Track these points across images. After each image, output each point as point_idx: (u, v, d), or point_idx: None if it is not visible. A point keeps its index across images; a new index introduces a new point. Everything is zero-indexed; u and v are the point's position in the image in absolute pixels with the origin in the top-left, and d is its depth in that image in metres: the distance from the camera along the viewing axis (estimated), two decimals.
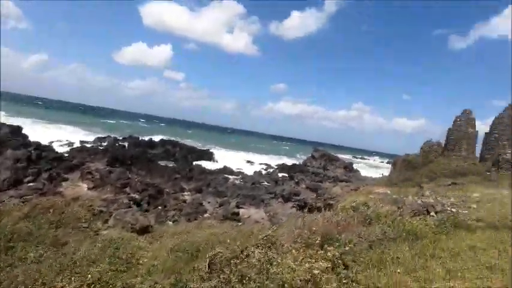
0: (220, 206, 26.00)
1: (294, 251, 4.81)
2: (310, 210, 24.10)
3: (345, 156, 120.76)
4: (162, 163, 43.71)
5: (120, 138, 60.94)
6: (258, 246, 5.14)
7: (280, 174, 51.25)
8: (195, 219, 19.29)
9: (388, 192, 22.18)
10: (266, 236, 5.38)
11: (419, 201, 12.90)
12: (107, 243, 10.12)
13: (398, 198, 13.35)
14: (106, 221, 14.23)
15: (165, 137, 69.57)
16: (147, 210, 19.23)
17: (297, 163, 63.39)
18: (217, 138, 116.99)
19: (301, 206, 23.52)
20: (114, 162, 31.69)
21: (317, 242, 4.83)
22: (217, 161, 59.34)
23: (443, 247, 5.36)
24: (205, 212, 22.92)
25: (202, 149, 66.14)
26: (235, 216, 21.30)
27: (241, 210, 25.75)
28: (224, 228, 13.53)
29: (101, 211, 14.69)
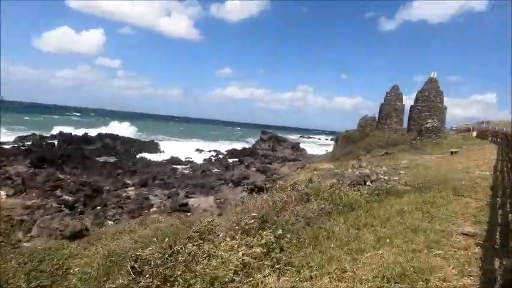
0: (168, 198, 24.86)
1: (228, 239, 4.49)
2: (260, 192, 24.46)
3: (293, 137, 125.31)
4: (101, 159, 40.10)
5: (48, 135, 54.23)
6: (191, 239, 4.70)
7: (230, 160, 51.03)
8: (140, 216, 18.06)
9: (332, 166, 23.40)
10: (200, 227, 4.96)
11: (357, 173, 13.72)
12: (28, 257, 8.77)
13: (338, 172, 14.03)
14: (29, 231, 12.45)
15: (103, 131, 63.93)
16: (82, 213, 17.37)
17: (247, 147, 63.78)
18: (163, 128, 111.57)
19: (251, 189, 23.63)
20: (40, 163, 27.94)
21: (254, 226, 4.56)
22: (163, 152, 56.59)
23: (375, 215, 5.54)
24: (152, 206, 21.66)
25: (147, 140, 62.39)
26: (184, 207, 20.52)
27: (191, 200, 24.97)
28: (170, 221, 12.79)
29: (22, 220, 12.79)
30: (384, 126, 41.31)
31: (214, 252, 4.07)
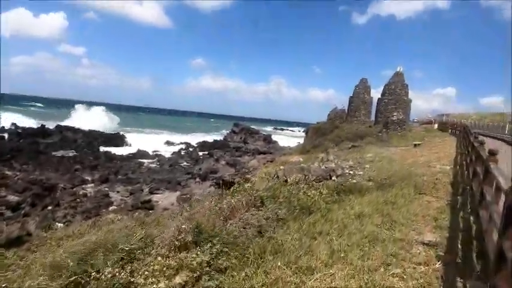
0: (130, 195, 23.42)
1: (160, 258, 3.72)
2: (227, 187, 23.75)
3: (268, 129, 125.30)
4: (59, 154, 37.15)
5: None
6: (115, 264, 3.89)
7: (201, 153, 49.72)
8: (97, 215, 16.67)
9: (301, 159, 23.18)
10: (130, 246, 4.15)
11: (323, 167, 13.44)
12: None
13: (304, 166, 13.66)
14: None
15: (63, 123, 59.50)
16: (27, 215, 15.66)
17: (219, 139, 62.55)
18: (131, 120, 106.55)
19: (219, 184, 22.87)
20: None
21: (188, 240, 3.83)
22: (130, 145, 53.85)
23: (334, 219, 5.05)
24: (111, 204, 20.20)
25: (112, 132, 59.00)
26: (146, 205, 19.33)
27: (155, 196, 23.72)
28: (126, 222, 11.72)
29: None
30: (352, 119, 42.10)
31: (135, 278, 3.30)
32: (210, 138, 66.76)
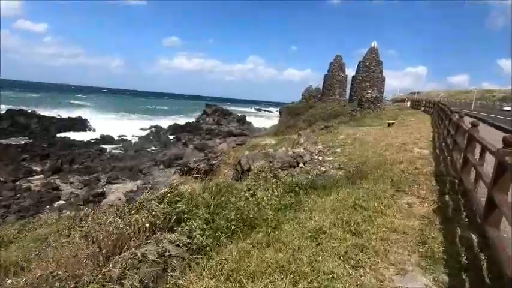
0: (84, 187, 21.08)
1: None
2: (191, 173, 21.96)
3: (246, 109, 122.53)
4: (7, 141, 33.30)
5: None
6: None
7: (171, 137, 47.13)
8: (36, 214, 14.42)
9: (273, 142, 21.69)
10: None
11: (290, 153, 11.99)
12: None
13: (270, 152, 12.14)
14: None
15: (16, 106, 53.89)
16: None
17: (192, 122, 59.72)
18: (99, 103, 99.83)
19: (184, 171, 21.05)
20: None
21: None
22: (94, 130, 50.08)
23: (282, 238, 3.48)
24: (58, 198, 17.87)
25: (73, 117, 54.33)
26: (100, 198, 17.20)
27: (113, 187, 21.57)
28: (58, 225, 9.73)
29: None
30: (327, 98, 41.01)
31: None
32: (183, 120, 63.63)
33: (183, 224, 3.70)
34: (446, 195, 4.52)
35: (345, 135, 14.74)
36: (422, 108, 28.34)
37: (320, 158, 10.58)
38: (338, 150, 11.01)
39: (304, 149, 12.04)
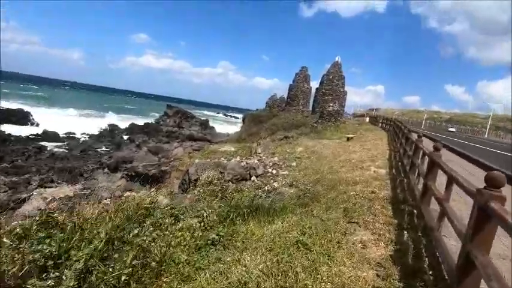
0: (10, 189, 18.14)
1: None
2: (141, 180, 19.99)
3: (211, 113, 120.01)
4: None
5: None
6: None
7: (126, 137, 43.93)
8: None
9: (232, 149, 20.61)
10: None
11: (243, 163, 11.04)
12: None
13: (221, 162, 11.06)
14: None
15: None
16: None
17: (151, 122, 56.52)
18: (54, 96, 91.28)
19: (131, 176, 19.09)
20: None
21: None
22: (37, 125, 45.08)
23: None
24: None
25: (12, 108, 48.36)
26: (21, 205, 14.64)
27: (47, 191, 18.84)
28: None
29: None
30: (291, 108, 41.11)
31: None
32: (145, 120, 60.01)
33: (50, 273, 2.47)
34: (405, 232, 3.80)
35: (303, 147, 14.17)
36: (380, 125, 29.29)
37: (274, 171, 9.73)
38: (294, 163, 10.27)
39: (259, 160, 11.16)
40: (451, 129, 50.57)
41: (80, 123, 51.69)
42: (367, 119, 43.94)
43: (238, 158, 12.40)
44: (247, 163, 10.83)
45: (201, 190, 9.46)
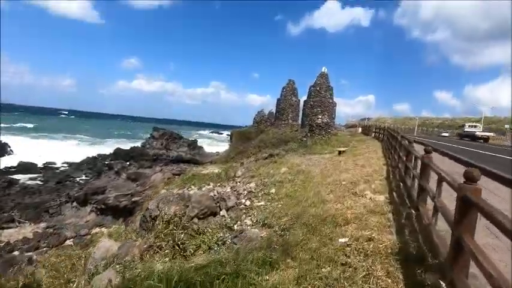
0: None
1: None
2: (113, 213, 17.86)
3: (205, 132, 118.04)
4: None
5: None
6: None
7: (113, 163, 41.75)
8: None
9: (216, 171, 18.77)
10: None
11: (213, 193, 9.20)
12: None
13: (186, 194, 9.17)
14: None
15: None
16: None
17: (138, 146, 54.42)
18: (39, 124, 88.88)
19: (102, 209, 17.00)
20: None
21: None
22: (15, 154, 42.86)
23: None
24: None
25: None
26: None
27: (5, 232, 16.64)
28: None
29: None
30: (280, 122, 39.64)
31: None
32: (134, 144, 57.85)
33: None
34: None
35: (288, 167, 12.41)
36: (373, 134, 27.85)
37: (248, 202, 7.89)
38: (273, 190, 8.45)
39: (232, 188, 9.31)
40: (444, 134, 49.67)
41: (64, 151, 49.63)
42: (360, 130, 42.66)
43: (210, 185, 10.56)
44: (218, 192, 8.99)
45: (158, 231, 7.58)
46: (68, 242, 14.63)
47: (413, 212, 4.77)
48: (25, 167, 35.09)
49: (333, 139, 24.43)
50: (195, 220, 8.09)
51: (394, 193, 6.25)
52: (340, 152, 16.38)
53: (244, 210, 7.41)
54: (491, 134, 31.22)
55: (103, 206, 16.97)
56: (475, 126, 33.54)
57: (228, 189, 9.06)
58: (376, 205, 5.52)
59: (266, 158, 15.72)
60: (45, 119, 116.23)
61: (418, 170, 5.42)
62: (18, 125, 79.14)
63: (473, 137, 30.15)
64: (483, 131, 31.68)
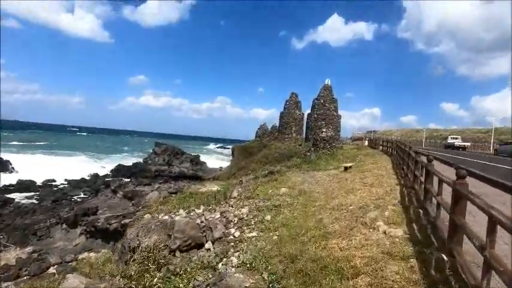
0: None
1: None
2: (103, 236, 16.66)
3: (211, 147, 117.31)
4: None
5: None
6: None
7: (110, 180, 40.91)
8: None
9: (215, 189, 17.65)
10: None
11: (200, 220, 8.01)
12: None
13: (168, 221, 8.02)
14: None
15: None
16: None
17: (140, 162, 53.69)
18: (50, 141, 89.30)
19: (91, 232, 15.86)
20: None
21: None
22: (17, 172, 42.33)
23: None
24: None
25: None
26: None
27: None
28: None
29: None
30: (284, 136, 38.56)
31: None
32: (135, 160, 57.13)
33: None
34: None
35: (289, 186, 11.21)
36: (381, 148, 26.55)
37: (237, 233, 6.69)
38: (268, 217, 7.24)
39: (222, 213, 8.12)
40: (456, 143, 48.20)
41: (68, 168, 48.92)
42: (366, 142, 41.29)
43: (201, 209, 9.39)
44: (206, 219, 7.81)
45: (130, 269, 6.43)
46: (51, 270, 13.46)
47: (444, 258, 3.55)
48: (23, 186, 34.35)
49: (338, 153, 23.18)
50: (177, 254, 6.91)
51: (414, 225, 5.03)
52: (346, 168, 15.16)
53: (232, 243, 6.22)
54: (468, 143, 38.90)
55: (92, 229, 15.85)
56: (456, 138, 40.91)
57: (218, 215, 7.89)
58: (393, 243, 4.30)
59: (266, 176, 14.54)
60: (54, 136, 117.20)
61: (444, 196, 4.24)
62: (23, 143, 79.54)
63: (453, 147, 37.25)
64: (462, 141, 39.23)
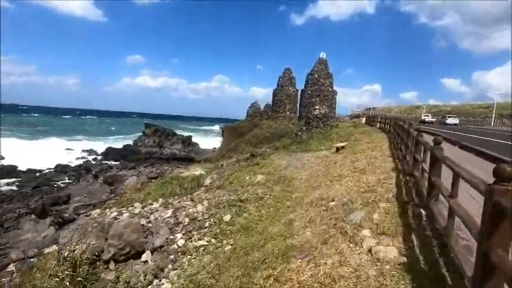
0: None
1: None
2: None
3: (208, 127, 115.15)
4: None
5: None
6: None
7: (107, 162, 39.64)
8: None
9: (200, 173, 16.18)
10: None
11: (145, 220, 6.50)
12: None
13: (106, 222, 6.51)
14: None
15: None
16: None
17: (130, 144, 51.98)
18: (44, 124, 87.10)
19: (60, 223, 14.52)
20: None
21: None
22: (2, 158, 40.83)
23: None
24: None
25: None
26: None
27: None
28: None
29: None
30: (277, 114, 36.67)
31: None
32: (127, 142, 55.40)
33: None
34: None
35: (269, 172, 9.66)
36: (378, 125, 24.92)
37: (182, 241, 5.16)
38: (227, 217, 5.68)
39: (174, 211, 6.58)
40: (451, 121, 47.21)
41: (58, 152, 47.36)
42: (363, 120, 39.53)
43: (159, 202, 7.84)
44: (154, 219, 6.27)
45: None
46: (11, 267, 12.21)
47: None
48: (6, 171, 32.89)
49: (332, 132, 21.52)
50: (112, 265, 5.42)
51: (414, 237, 3.47)
52: (338, 149, 13.58)
53: (172, 256, 4.72)
54: (434, 119, 45.00)
55: (60, 220, 14.49)
56: (428, 116, 47.11)
57: (169, 214, 6.37)
58: (382, 275, 2.75)
59: (247, 159, 12.95)
60: (49, 118, 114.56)
61: (461, 198, 2.65)
62: (17, 127, 77.34)
63: (424, 122, 41.88)
64: (431, 118, 45.28)
